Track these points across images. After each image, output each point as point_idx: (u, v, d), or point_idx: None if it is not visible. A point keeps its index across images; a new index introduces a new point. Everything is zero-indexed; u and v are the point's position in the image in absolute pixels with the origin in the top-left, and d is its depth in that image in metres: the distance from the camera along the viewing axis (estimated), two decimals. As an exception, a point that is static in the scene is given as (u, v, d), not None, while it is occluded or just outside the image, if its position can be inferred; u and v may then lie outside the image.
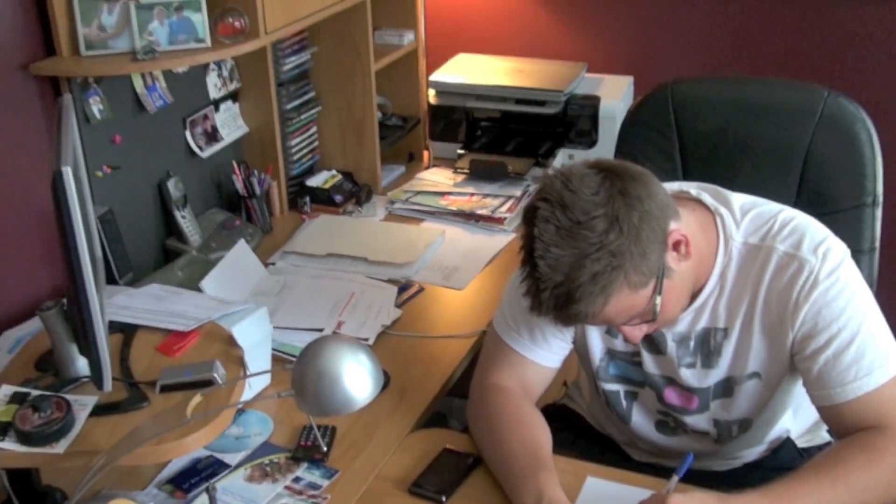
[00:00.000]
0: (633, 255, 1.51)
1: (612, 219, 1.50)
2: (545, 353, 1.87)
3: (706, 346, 1.77)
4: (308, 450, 1.87)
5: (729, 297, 1.73)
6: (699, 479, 1.67)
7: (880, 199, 2.05)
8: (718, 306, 1.74)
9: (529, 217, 1.56)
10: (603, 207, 1.51)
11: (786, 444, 1.93)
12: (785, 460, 1.90)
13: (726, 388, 1.80)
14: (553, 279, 1.51)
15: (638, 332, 1.67)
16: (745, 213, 1.74)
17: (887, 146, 2.08)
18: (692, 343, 1.78)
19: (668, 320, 1.71)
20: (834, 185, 2.04)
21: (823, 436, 2.00)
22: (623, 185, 1.54)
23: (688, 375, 1.80)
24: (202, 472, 1.83)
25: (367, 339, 2.24)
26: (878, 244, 2.06)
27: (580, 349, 1.92)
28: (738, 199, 1.76)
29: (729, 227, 1.72)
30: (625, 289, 1.53)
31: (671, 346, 1.79)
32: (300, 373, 1.54)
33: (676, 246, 1.61)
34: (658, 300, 1.59)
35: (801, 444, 1.96)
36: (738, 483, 1.70)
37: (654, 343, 1.81)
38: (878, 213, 2.05)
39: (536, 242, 1.52)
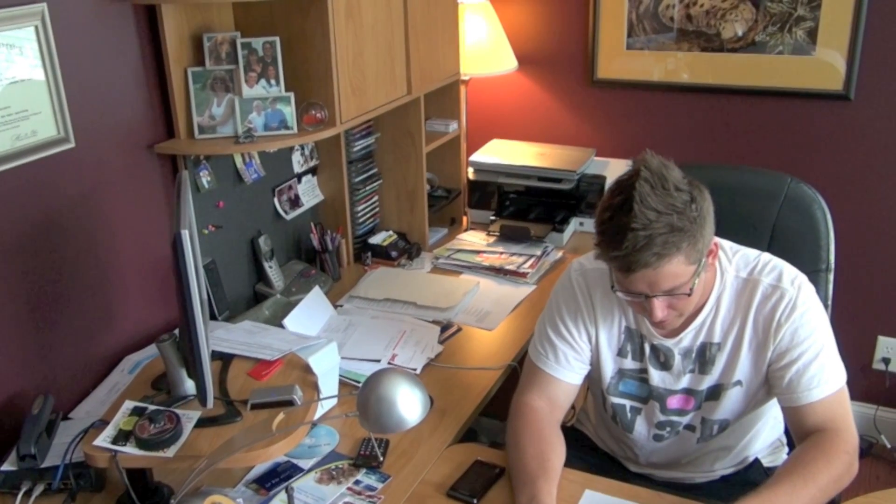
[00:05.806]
0: (696, 231, 1.58)
1: (693, 198, 1.60)
2: (568, 371, 1.88)
3: (703, 357, 1.80)
4: (367, 458, 1.87)
5: (724, 318, 1.77)
6: (683, 489, 1.67)
7: (832, 265, 2.05)
8: (714, 325, 1.78)
9: (631, 179, 1.60)
10: (688, 187, 1.61)
11: (754, 464, 1.93)
12: (752, 476, 1.90)
13: (715, 392, 1.81)
14: (641, 222, 1.55)
15: (662, 312, 1.67)
16: (734, 253, 1.81)
17: (839, 224, 2.08)
18: (693, 354, 1.81)
19: (686, 310, 1.72)
20: (795, 254, 2.01)
21: (783, 457, 1.98)
22: (699, 184, 1.64)
23: (688, 380, 1.82)
24: (281, 474, 1.83)
25: (415, 369, 2.24)
26: (830, 302, 2.05)
27: (594, 369, 1.91)
28: (726, 242, 1.82)
29: (723, 263, 1.78)
30: (682, 256, 1.58)
31: (678, 359, 1.81)
32: (364, 398, 1.53)
33: (709, 253, 1.67)
34: (696, 281, 1.64)
35: (765, 463, 1.95)
36: (715, 493, 1.71)
37: (662, 359, 1.83)
38: (831, 277, 2.05)
39: (636, 193, 1.56)
